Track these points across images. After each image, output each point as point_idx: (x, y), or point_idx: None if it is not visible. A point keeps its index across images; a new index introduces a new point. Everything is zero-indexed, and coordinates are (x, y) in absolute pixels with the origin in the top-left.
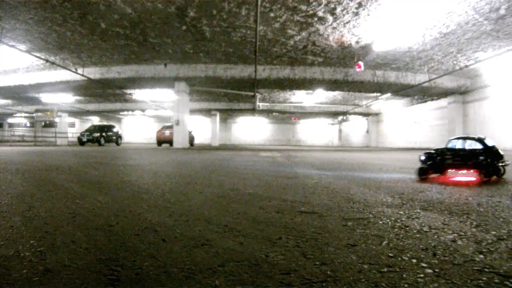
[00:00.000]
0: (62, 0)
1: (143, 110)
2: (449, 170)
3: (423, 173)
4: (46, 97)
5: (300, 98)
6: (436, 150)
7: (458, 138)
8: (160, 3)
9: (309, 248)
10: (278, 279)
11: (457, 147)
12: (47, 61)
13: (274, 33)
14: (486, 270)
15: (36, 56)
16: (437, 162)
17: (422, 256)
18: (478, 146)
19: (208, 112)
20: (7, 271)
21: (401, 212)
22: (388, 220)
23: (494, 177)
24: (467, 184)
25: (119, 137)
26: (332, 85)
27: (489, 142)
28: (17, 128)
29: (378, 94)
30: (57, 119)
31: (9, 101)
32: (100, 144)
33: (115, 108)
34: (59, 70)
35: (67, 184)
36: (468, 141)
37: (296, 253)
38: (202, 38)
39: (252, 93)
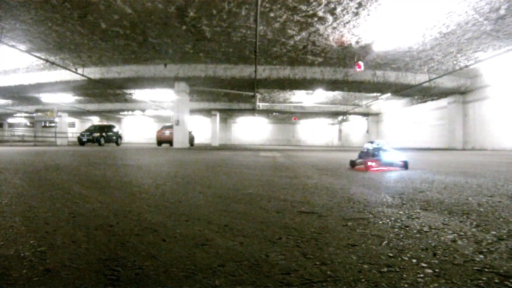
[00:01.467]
0: (62, 0)
1: (143, 110)
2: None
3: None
4: (46, 97)
5: (300, 98)
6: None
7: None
8: (160, 3)
9: (309, 248)
10: (278, 279)
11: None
12: (47, 61)
13: (274, 33)
14: (486, 270)
15: (36, 56)
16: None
17: (422, 256)
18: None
19: (208, 112)
20: (7, 271)
21: (401, 212)
22: (388, 220)
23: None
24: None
25: (119, 137)
26: (332, 85)
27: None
28: (17, 128)
29: (378, 94)
30: (57, 119)
31: (9, 101)
32: (100, 144)
33: (115, 108)
34: (59, 70)
35: (67, 184)
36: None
37: (296, 253)
38: (202, 38)
39: (252, 93)
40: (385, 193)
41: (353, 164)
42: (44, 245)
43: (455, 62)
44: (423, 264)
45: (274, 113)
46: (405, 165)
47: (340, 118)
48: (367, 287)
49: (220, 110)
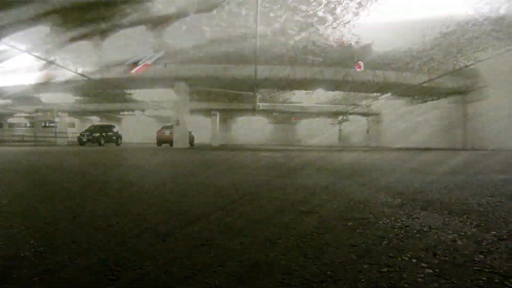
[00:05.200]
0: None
1: (143, 110)
2: None
3: None
4: (46, 97)
5: (300, 98)
6: None
7: None
8: (160, 3)
9: (309, 248)
10: (278, 279)
11: None
12: (47, 61)
13: (274, 33)
14: (486, 270)
15: (36, 56)
16: None
17: (422, 256)
18: None
19: (208, 112)
20: (7, 271)
21: (401, 212)
22: (388, 220)
23: None
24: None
25: (119, 137)
26: (332, 85)
27: None
28: (17, 128)
29: (378, 94)
30: (57, 119)
31: (9, 101)
32: (100, 144)
33: (115, 108)
34: (59, 70)
35: (67, 184)
36: None
37: (296, 253)
38: (202, 38)
39: (252, 93)
40: (385, 193)
41: None
42: (44, 245)
43: (455, 62)
44: (423, 264)
45: (274, 113)
46: None
47: (340, 118)
48: (367, 287)
49: (220, 110)
